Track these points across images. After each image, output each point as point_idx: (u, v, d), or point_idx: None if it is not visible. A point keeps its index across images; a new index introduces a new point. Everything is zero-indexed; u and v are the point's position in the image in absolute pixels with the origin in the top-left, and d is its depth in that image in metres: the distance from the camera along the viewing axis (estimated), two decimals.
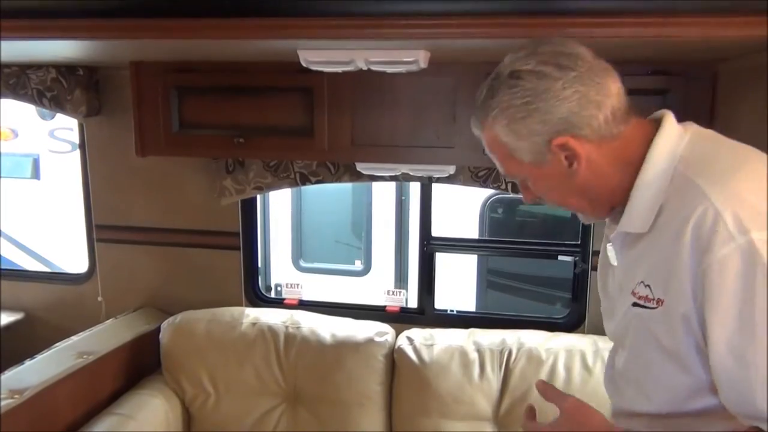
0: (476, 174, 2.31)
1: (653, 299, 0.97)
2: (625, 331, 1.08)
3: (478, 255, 3.54)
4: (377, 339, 2.32)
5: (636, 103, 1.91)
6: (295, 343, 2.36)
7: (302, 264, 3.99)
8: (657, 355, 1.00)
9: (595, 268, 2.38)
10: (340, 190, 4.14)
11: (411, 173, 2.20)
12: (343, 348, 2.31)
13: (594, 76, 0.98)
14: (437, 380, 2.22)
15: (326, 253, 4.12)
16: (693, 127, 1.05)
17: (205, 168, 2.54)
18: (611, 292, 1.16)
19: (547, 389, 1.12)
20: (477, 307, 3.47)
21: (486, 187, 2.35)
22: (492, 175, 2.30)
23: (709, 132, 1.06)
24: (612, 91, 1.00)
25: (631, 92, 1.89)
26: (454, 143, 2.05)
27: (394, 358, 2.32)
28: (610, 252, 1.12)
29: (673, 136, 1.01)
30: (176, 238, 2.66)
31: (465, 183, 2.34)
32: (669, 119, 1.03)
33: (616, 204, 1.05)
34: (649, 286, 0.98)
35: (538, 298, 3.41)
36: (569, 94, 0.97)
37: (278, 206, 3.91)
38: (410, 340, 2.32)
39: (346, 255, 4.06)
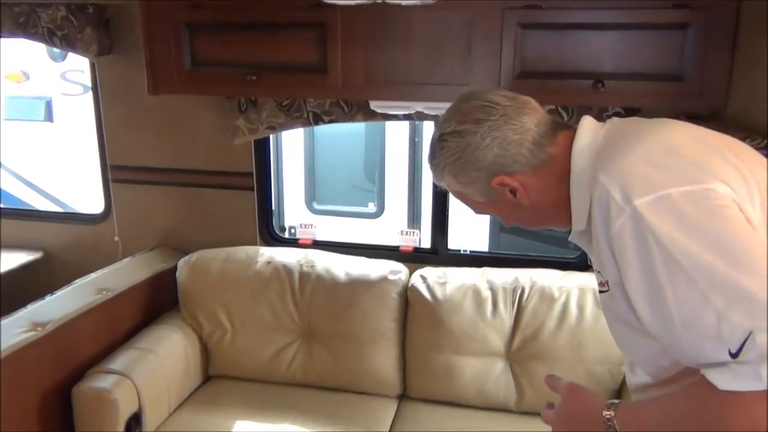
0: None
1: (604, 283, 1.05)
2: (608, 324, 1.18)
3: None
4: (391, 277, 2.35)
5: (656, 39, 1.90)
6: (309, 281, 2.39)
7: (316, 206, 4.01)
8: (626, 330, 1.08)
9: None
10: (353, 133, 4.12)
11: (425, 112, 2.18)
12: (357, 286, 2.34)
13: (509, 120, 1.10)
14: (450, 317, 2.25)
15: (339, 195, 4.12)
16: (611, 121, 1.13)
17: (218, 108, 2.53)
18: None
19: (550, 380, 1.19)
20: (490, 249, 3.48)
21: None
22: None
23: (625, 120, 1.13)
24: (529, 125, 1.11)
25: (650, 27, 1.90)
26: (469, 80, 2.02)
27: (408, 296, 2.34)
28: None
29: (587, 137, 1.09)
30: (190, 179, 2.67)
31: None
32: (583, 123, 1.12)
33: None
34: (599, 272, 1.08)
35: (550, 240, 3.41)
36: (489, 142, 1.10)
37: (291, 149, 3.91)
38: (423, 278, 2.34)
39: (359, 197, 4.06)
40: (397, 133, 3.75)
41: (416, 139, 3.64)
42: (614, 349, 2.15)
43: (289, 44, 2.09)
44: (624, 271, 0.95)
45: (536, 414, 2.22)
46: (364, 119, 2.38)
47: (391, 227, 3.70)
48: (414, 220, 3.78)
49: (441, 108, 2.13)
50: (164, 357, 2.21)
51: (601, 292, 1.10)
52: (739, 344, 0.82)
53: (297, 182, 3.92)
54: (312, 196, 3.98)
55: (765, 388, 0.80)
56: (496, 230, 3.50)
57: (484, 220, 3.50)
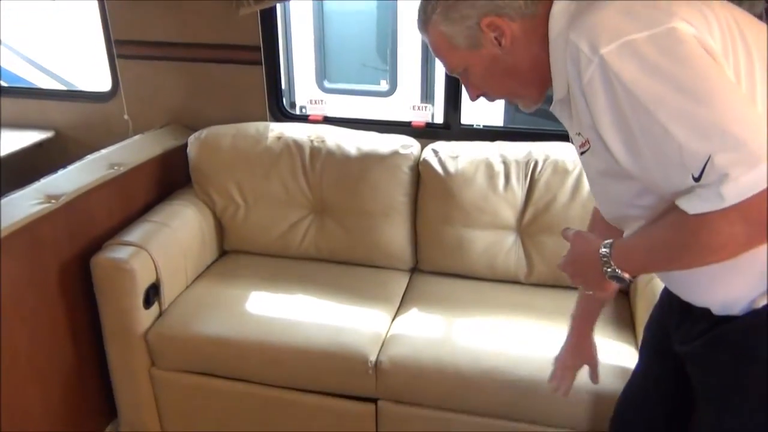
0: None
1: (585, 142, 1.10)
2: (591, 184, 1.24)
3: None
4: (402, 151, 2.32)
5: None
6: (320, 156, 2.37)
7: (326, 85, 3.91)
8: (608, 182, 1.13)
9: None
10: (364, 11, 3.96)
11: None
12: (369, 160, 2.32)
13: None
14: (461, 191, 2.24)
15: (351, 74, 4.02)
16: None
17: None
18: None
19: (564, 232, 1.25)
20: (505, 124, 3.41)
21: None
22: None
23: None
24: None
25: None
26: None
27: (419, 170, 2.33)
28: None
29: (564, 1, 1.09)
30: (197, 53, 2.60)
31: None
32: None
33: (547, 82, 1.15)
34: (579, 134, 1.11)
35: None
36: None
37: (300, 28, 3.77)
38: (435, 152, 2.31)
39: (371, 76, 3.95)
40: (408, 11, 3.58)
41: None
42: None
43: None
44: (597, 119, 1.00)
45: (546, 286, 2.29)
46: None
47: (403, 105, 3.62)
48: (427, 97, 3.69)
49: None
50: (179, 230, 2.24)
51: (582, 153, 1.14)
52: (700, 169, 0.90)
53: (307, 62, 3.81)
54: (323, 74, 3.88)
55: (727, 205, 0.88)
56: (511, 107, 3.41)
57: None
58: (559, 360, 1.63)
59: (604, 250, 1.10)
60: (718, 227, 0.92)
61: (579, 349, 1.60)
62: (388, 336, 2.02)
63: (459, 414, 1.94)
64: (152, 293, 2.06)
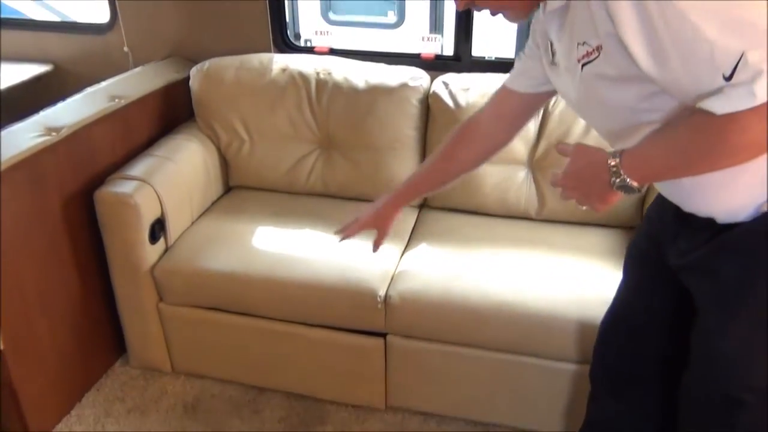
0: None
1: (593, 49, 1.05)
2: (587, 98, 1.16)
3: None
4: (411, 84, 2.25)
5: None
6: (326, 89, 2.30)
7: (332, 17, 3.78)
8: (617, 90, 1.08)
9: None
10: None
11: None
12: (376, 93, 2.25)
13: None
14: None
15: (357, 5, 3.88)
16: None
17: None
18: (566, 91, 1.24)
19: (561, 147, 1.20)
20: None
21: None
22: None
23: None
24: None
25: None
26: None
27: (429, 103, 2.26)
28: (555, 42, 1.20)
29: None
30: None
31: None
32: None
33: None
34: (585, 42, 1.06)
35: None
36: None
37: None
38: (446, 84, 2.24)
39: (378, 7, 3.82)
40: None
41: None
42: None
43: None
44: (621, 23, 0.96)
45: (557, 222, 2.25)
46: None
47: (411, 38, 3.51)
48: (436, 28, 3.56)
49: None
50: (183, 165, 2.19)
51: (586, 64, 1.08)
52: (732, 67, 0.88)
53: None
54: (328, 5, 3.75)
55: (759, 103, 0.86)
56: (522, 37, 3.28)
57: (511, 27, 3.28)
58: (360, 215, 1.67)
59: (613, 160, 1.05)
60: (747, 126, 0.90)
61: (382, 217, 1.63)
62: (397, 271, 1.99)
63: (467, 348, 1.94)
64: (158, 228, 2.03)
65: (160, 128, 2.37)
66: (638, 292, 1.47)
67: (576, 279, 1.93)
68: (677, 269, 1.27)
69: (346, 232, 1.67)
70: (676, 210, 1.24)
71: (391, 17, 3.74)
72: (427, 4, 3.54)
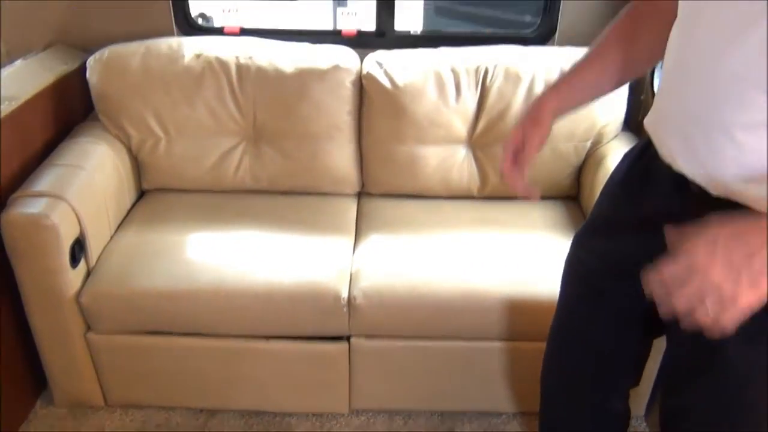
0: None
1: None
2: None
3: None
4: (343, 65, 2.09)
5: None
6: (249, 75, 2.09)
7: None
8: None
9: None
10: None
11: None
12: (306, 77, 2.07)
13: None
14: (412, 104, 2.07)
15: None
16: None
17: None
18: None
19: (672, 234, 0.79)
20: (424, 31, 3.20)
21: None
22: None
23: None
24: None
25: None
26: None
27: (363, 85, 2.12)
28: None
29: None
30: None
31: None
32: None
33: None
34: None
35: (484, 21, 3.19)
36: None
37: None
38: (380, 64, 2.10)
39: None
40: None
41: None
42: (579, 125, 2.11)
43: None
44: None
45: (499, 198, 2.21)
46: None
47: (314, 8, 3.31)
48: None
49: None
50: (94, 173, 1.91)
51: None
52: None
53: None
54: None
55: None
56: (430, 12, 3.21)
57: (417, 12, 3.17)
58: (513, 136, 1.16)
59: None
60: None
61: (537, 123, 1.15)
62: (354, 268, 1.87)
63: (435, 341, 1.87)
64: (77, 249, 1.76)
65: (56, 131, 2.05)
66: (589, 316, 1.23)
67: (533, 256, 1.91)
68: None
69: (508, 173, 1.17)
70: (675, 184, 0.92)
71: None
72: None
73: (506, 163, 1.15)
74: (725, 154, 0.84)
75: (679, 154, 0.93)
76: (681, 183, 0.92)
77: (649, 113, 1.03)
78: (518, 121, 1.17)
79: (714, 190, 0.88)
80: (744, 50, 0.79)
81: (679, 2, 0.94)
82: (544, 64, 2.10)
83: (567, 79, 1.16)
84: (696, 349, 0.99)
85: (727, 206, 0.85)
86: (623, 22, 1.13)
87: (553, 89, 1.16)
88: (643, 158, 1.06)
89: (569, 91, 1.16)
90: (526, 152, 1.13)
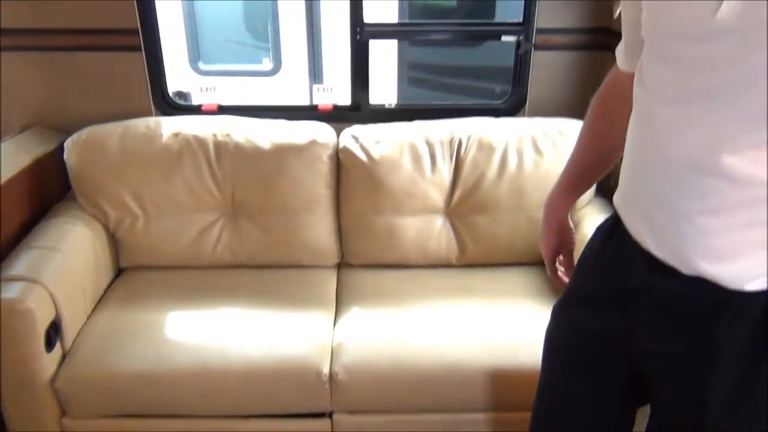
0: None
1: None
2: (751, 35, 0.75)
3: (418, 39, 3.12)
4: (320, 140, 2.13)
5: None
6: (227, 152, 2.11)
7: (202, 67, 3.55)
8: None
9: (538, 48, 2.27)
10: None
11: None
12: (284, 152, 2.11)
13: None
14: (388, 177, 2.11)
15: (228, 54, 3.67)
16: None
17: None
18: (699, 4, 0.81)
19: None
20: (398, 102, 3.28)
21: None
22: None
23: None
24: None
25: None
26: None
27: (339, 159, 2.15)
28: None
29: None
30: (60, 41, 2.20)
31: None
32: None
33: None
34: None
35: (464, 91, 3.28)
36: None
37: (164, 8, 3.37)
38: (355, 138, 2.15)
39: (250, 55, 3.64)
40: None
41: None
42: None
43: None
44: None
45: (478, 266, 2.23)
46: None
47: (291, 84, 3.38)
48: (316, 75, 3.47)
49: None
50: (71, 254, 1.90)
51: None
52: None
53: (177, 42, 3.40)
54: (197, 55, 3.51)
55: None
56: (403, 83, 3.30)
57: (391, 80, 3.27)
58: (547, 247, 1.35)
59: None
60: None
61: (562, 233, 1.33)
62: (335, 343, 1.85)
63: (419, 414, 1.84)
64: (53, 333, 1.73)
65: (32, 212, 2.05)
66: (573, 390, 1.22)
67: (514, 325, 1.92)
68: (649, 356, 1.00)
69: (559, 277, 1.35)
70: (649, 261, 0.95)
71: (267, 64, 3.59)
72: (305, 49, 3.44)
73: (553, 274, 1.36)
74: (690, 238, 0.87)
75: (647, 237, 0.95)
76: (655, 260, 0.95)
77: (617, 191, 1.07)
78: (541, 234, 1.35)
79: (686, 270, 0.90)
80: (696, 138, 0.84)
81: (634, 91, 0.98)
82: (515, 134, 2.16)
83: (564, 180, 1.30)
84: (680, 417, 1.00)
85: (701, 283, 0.88)
86: (595, 121, 1.22)
87: (557, 195, 1.31)
88: (617, 233, 1.07)
89: (572, 190, 1.31)
90: (566, 263, 1.33)
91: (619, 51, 1.11)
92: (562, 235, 1.33)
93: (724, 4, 0.77)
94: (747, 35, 0.75)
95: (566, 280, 1.31)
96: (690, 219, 0.86)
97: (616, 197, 1.07)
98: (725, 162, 0.80)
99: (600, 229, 1.17)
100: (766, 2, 0.73)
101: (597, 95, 1.22)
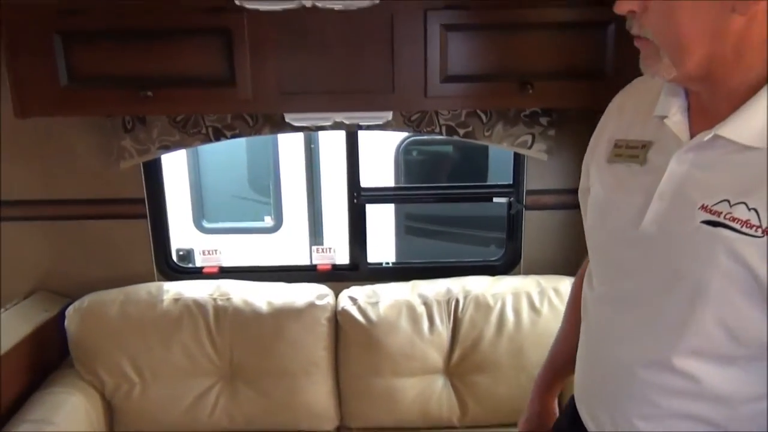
0: (409, 118, 2.17)
1: (759, 227, 0.78)
2: (691, 260, 0.83)
3: (413, 202, 3.24)
4: (318, 302, 2.16)
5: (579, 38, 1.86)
6: (227, 316, 2.14)
7: (206, 225, 3.66)
8: (744, 298, 0.80)
9: (529, 208, 2.35)
10: (233, 143, 3.82)
11: (346, 122, 2.02)
12: (282, 316, 2.13)
13: None
14: (387, 338, 2.11)
15: (231, 211, 3.80)
16: None
17: (96, 127, 2.20)
18: (628, 215, 0.90)
19: None
20: (397, 257, 3.35)
21: (419, 131, 2.21)
22: (425, 118, 2.17)
23: None
24: None
25: (573, 25, 1.86)
26: (392, 86, 1.89)
27: (338, 321, 2.17)
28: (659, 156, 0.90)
29: None
30: (68, 210, 2.30)
31: (397, 128, 2.20)
32: None
33: (720, 73, 0.82)
34: (755, 209, 0.78)
35: (461, 240, 3.37)
36: None
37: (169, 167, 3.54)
38: (353, 299, 2.17)
39: (253, 211, 3.77)
40: (289, 142, 3.50)
41: (312, 146, 3.43)
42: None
43: (189, 54, 1.84)
44: None
45: (481, 427, 2.18)
46: (272, 132, 2.19)
47: (291, 241, 3.48)
48: (316, 232, 3.57)
49: (363, 117, 2.00)
50: (65, 426, 1.87)
51: (726, 227, 0.79)
52: None
53: (181, 201, 3.52)
54: (201, 214, 3.63)
55: None
56: (402, 237, 3.39)
57: (388, 230, 3.38)
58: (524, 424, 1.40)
59: None
60: None
61: (542, 418, 1.38)
62: None
63: None
64: None
65: (30, 381, 2.04)
66: None
67: None
68: None
69: None
70: None
71: (269, 221, 3.71)
72: (305, 207, 3.56)
73: None
74: None
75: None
76: None
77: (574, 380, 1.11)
78: (524, 412, 1.38)
79: None
80: (628, 342, 0.90)
81: (583, 287, 1.06)
82: (511, 292, 2.19)
83: (548, 365, 1.36)
84: None
85: None
86: (573, 310, 1.24)
87: (542, 379, 1.35)
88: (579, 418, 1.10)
89: (558, 373, 1.34)
90: None
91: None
92: (542, 419, 1.36)
93: (647, 215, 0.87)
94: (665, 244, 0.84)
95: None
96: (630, 421, 0.91)
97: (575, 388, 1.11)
98: (653, 369, 0.87)
99: (568, 407, 1.20)
100: (683, 215, 0.83)
101: (574, 281, 1.29)
